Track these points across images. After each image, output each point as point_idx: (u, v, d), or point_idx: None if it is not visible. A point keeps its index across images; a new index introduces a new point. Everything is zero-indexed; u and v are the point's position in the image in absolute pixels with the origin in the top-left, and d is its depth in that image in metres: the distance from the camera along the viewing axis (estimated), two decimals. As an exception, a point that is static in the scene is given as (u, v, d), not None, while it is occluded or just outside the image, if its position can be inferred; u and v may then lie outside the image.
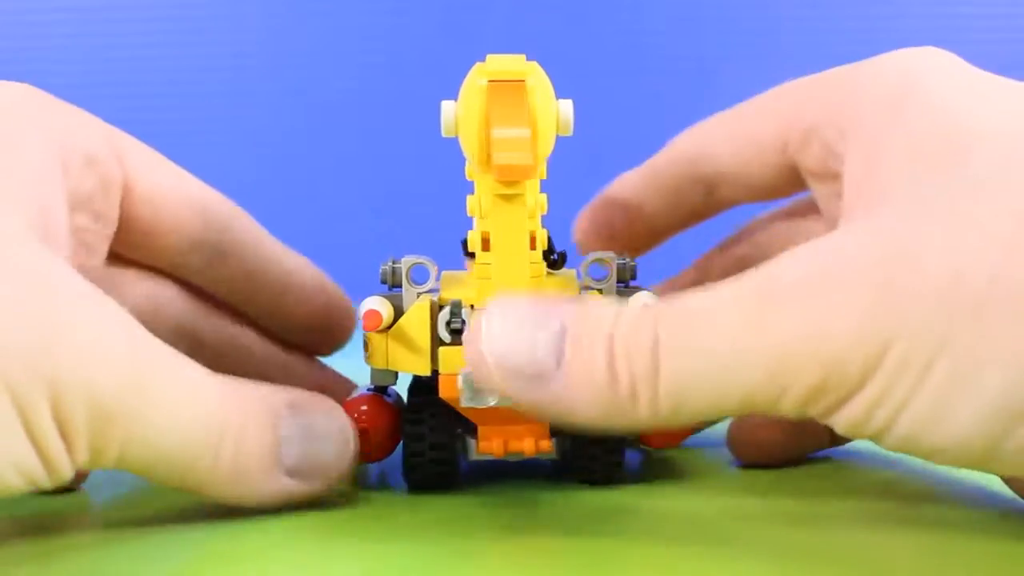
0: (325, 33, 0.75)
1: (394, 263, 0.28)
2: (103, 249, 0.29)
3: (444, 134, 0.27)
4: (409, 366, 0.27)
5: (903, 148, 0.23)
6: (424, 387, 0.28)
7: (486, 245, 0.27)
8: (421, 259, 0.27)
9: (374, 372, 0.29)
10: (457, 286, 0.28)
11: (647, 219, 0.33)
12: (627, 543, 0.25)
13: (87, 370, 0.22)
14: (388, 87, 0.74)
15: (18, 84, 0.27)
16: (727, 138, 0.30)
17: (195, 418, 0.24)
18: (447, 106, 0.26)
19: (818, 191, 0.29)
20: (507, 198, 0.26)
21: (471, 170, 0.27)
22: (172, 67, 0.73)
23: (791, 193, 0.31)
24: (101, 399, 0.22)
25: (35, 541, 0.25)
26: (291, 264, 0.32)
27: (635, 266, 0.29)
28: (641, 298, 0.27)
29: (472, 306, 0.26)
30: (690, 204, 0.32)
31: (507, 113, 0.25)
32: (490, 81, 0.25)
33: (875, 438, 0.21)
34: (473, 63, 0.26)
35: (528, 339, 0.23)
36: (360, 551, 0.24)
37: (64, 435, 0.22)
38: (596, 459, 0.28)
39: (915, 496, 0.28)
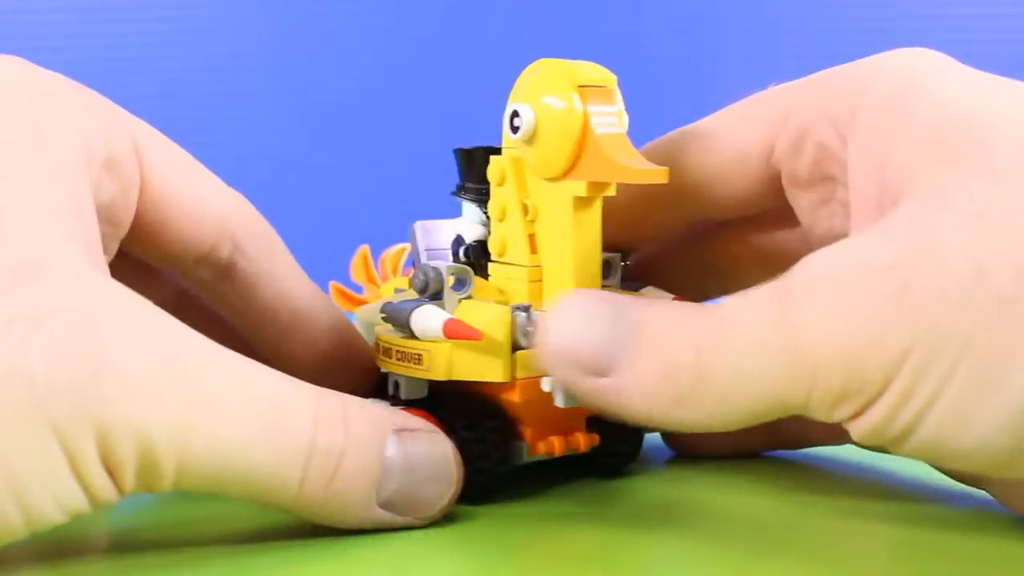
0: (325, 33, 0.75)
1: (434, 271, 0.27)
2: (113, 249, 0.27)
3: (519, 138, 0.26)
4: (482, 373, 0.26)
5: (917, 141, 0.23)
6: (437, 397, 0.27)
7: (534, 247, 0.27)
8: (461, 267, 0.27)
9: (408, 385, 0.27)
10: (493, 292, 0.28)
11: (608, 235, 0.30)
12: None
13: (135, 408, 0.21)
14: (388, 87, 0.74)
15: (51, 74, 0.26)
16: (705, 149, 0.28)
17: (273, 434, 0.23)
18: (525, 109, 0.26)
19: (802, 199, 0.27)
20: (586, 202, 0.26)
21: (501, 174, 0.27)
22: (172, 67, 0.73)
23: (761, 208, 0.29)
24: (150, 437, 0.21)
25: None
26: (305, 302, 0.30)
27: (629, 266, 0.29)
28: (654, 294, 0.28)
29: (540, 310, 0.27)
30: (656, 222, 0.30)
31: (605, 115, 0.26)
32: (582, 87, 0.26)
33: (899, 442, 0.21)
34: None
35: (599, 335, 0.23)
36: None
37: (110, 471, 0.21)
38: (613, 451, 0.29)
39: (882, 495, 0.28)
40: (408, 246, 0.34)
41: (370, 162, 0.75)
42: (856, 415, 0.21)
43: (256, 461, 0.23)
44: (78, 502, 0.21)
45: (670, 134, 0.29)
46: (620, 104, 0.26)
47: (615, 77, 0.26)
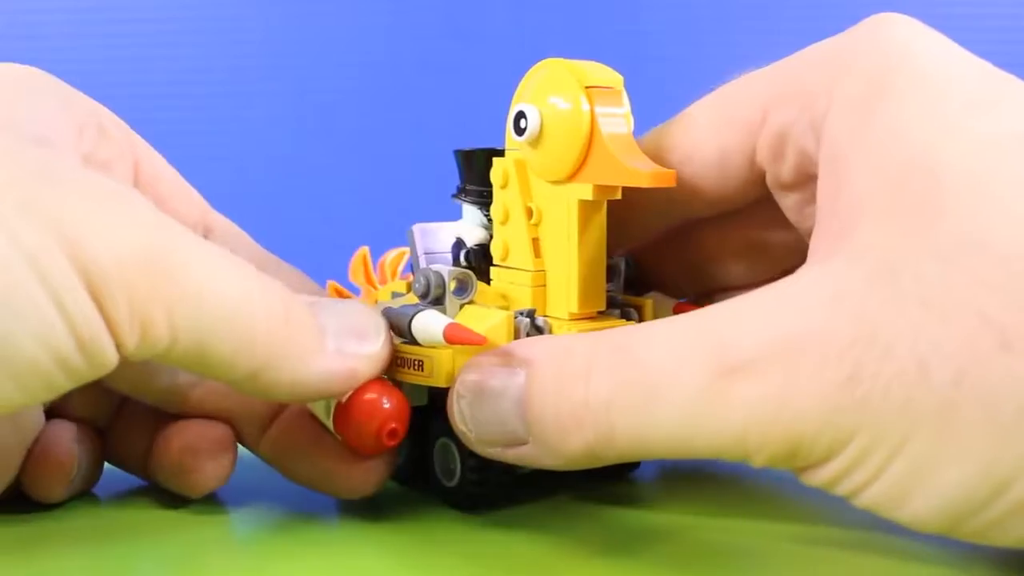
0: (325, 33, 0.75)
1: (435, 275, 0.27)
2: None
3: (524, 140, 0.26)
4: None
5: (871, 176, 0.22)
6: (438, 403, 0.27)
7: (538, 252, 0.27)
8: (463, 271, 0.27)
9: (408, 391, 0.27)
10: (495, 297, 0.27)
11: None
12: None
13: (114, 234, 0.20)
14: (388, 87, 0.74)
15: (30, 67, 0.27)
16: (688, 152, 0.27)
17: (239, 283, 0.23)
18: (531, 110, 0.26)
19: (787, 199, 0.27)
20: (591, 206, 0.26)
21: (504, 176, 0.27)
22: (172, 67, 0.73)
23: (746, 203, 0.28)
24: (133, 262, 0.20)
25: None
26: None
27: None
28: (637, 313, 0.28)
29: (544, 315, 0.26)
30: (641, 224, 0.30)
31: (612, 116, 0.25)
32: (589, 88, 0.25)
33: (845, 497, 0.22)
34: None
35: (496, 414, 0.24)
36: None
37: (101, 308, 0.20)
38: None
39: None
40: (406, 251, 0.34)
41: (369, 163, 0.74)
42: (799, 473, 0.22)
43: (236, 301, 0.22)
44: (66, 347, 0.20)
45: (649, 134, 0.28)
46: (627, 106, 0.26)
47: (622, 78, 0.26)
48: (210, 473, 0.27)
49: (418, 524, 0.27)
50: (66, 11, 0.72)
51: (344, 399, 0.25)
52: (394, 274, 0.34)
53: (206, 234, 0.29)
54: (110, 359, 0.21)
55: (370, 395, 0.25)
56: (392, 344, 0.25)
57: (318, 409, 0.27)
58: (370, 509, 0.28)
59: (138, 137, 0.28)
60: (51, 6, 0.72)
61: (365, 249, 0.34)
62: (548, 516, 0.27)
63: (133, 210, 0.21)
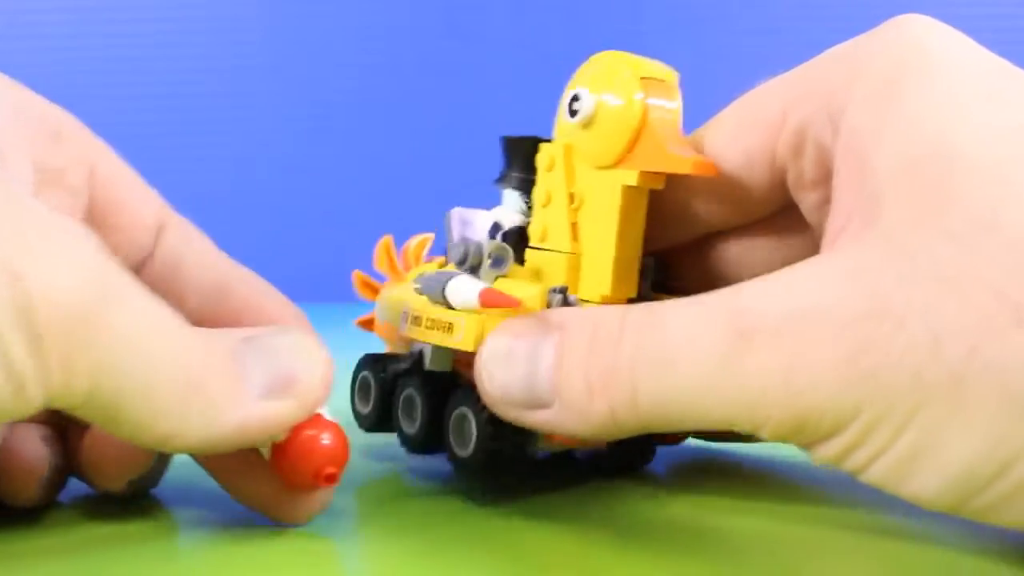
0: (325, 33, 0.75)
1: (475, 245, 0.26)
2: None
3: (577, 121, 0.26)
4: None
5: (889, 164, 0.22)
6: (458, 377, 0.27)
7: (575, 235, 0.27)
8: (502, 245, 0.27)
9: (434, 355, 0.27)
10: (529, 275, 0.28)
11: None
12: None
13: (57, 274, 0.20)
14: (388, 87, 0.74)
15: None
16: (714, 159, 0.27)
17: (166, 348, 0.22)
18: (585, 93, 0.26)
19: (806, 199, 0.27)
20: (635, 192, 0.26)
21: (551, 160, 0.27)
22: (172, 67, 0.73)
23: (767, 212, 0.28)
24: (71, 306, 0.20)
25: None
26: (235, 275, 0.29)
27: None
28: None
29: (576, 294, 0.27)
30: (664, 233, 0.29)
31: (664, 108, 0.26)
32: (645, 78, 0.26)
33: (851, 474, 0.22)
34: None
35: (524, 374, 0.24)
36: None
37: (30, 342, 0.20)
38: (631, 450, 0.29)
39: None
40: (430, 236, 0.34)
41: (369, 162, 0.74)
42: (806, 447, 0.22)
43: (157, 366, 0.22)
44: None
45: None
46: (679, 100, 0.26)
47: (677, 74, 0.27)
48: (124, 463, 0.27)
49: (425, 514, 0.27)
50: (66, 11, 0.72)
51: (281, 438, 0.25)
52: (418, 260, 0.34)
53: (157, 236, 0.28)
54: (34, 402, 0.20)
55: (309, 432, 0.24)
56: (328, 383, 0.25)
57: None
58: (377, 497, 0.28)
59: (96, 139, 0.27)
60: (51, 6, 0.72)
61: (389, 237, 0.34)
62: (557, 508, 0.27)
63: (80, 256, 0.21)
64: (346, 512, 0.27)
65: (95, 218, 0.27)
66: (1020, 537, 0.24)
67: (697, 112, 0.31)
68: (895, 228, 0.22)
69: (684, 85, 0.28)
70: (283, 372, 0.24)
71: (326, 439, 0.24)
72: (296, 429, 0.24)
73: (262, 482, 0.26)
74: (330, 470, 0.24)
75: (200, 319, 0.28)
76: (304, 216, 0.72)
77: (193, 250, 0.29)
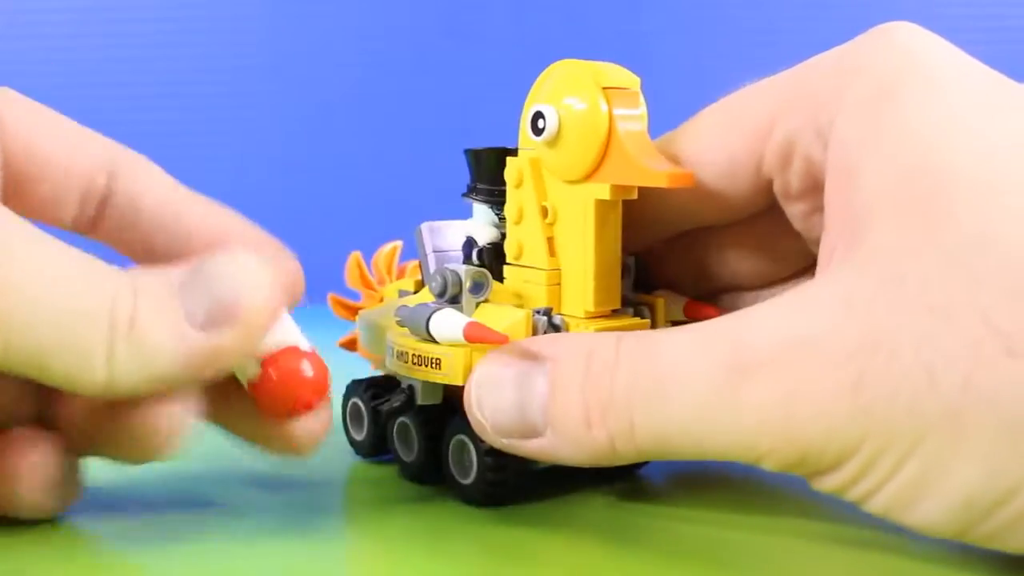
0: (325, 33, 0.75)
1: (452, 274, 0.26)
2: None
3: (542, 140, 0.26)
4: None
5: (879, 179, 0.22)
6: (452, 403, 0.27)
7: (552, 251, 0.27)
8: (479, 270, 0.27)
9: (424, 389, 0.27)
10: (510, 296, 0.27)
11: None
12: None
13: None
14: (388, 87, 0.74)
15: None
16: (696, 163, 0.27)
17: (73, 293, 0.22)
18: (549, 111, 0.26)
19: (794, 208, 0.27)
20: (608, 205, 0.26)
21: (519, 175, 0.27)
22: (172, 67, 0.73)
23: (753, 212, 0.28)
24: None
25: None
26: (198, 216, 0.28)
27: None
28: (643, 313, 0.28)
29: (560, 314, 0.26)
30: (646, 231, 0.29)
31: (630, 118, 0.25)
32: (607, 88, 0.25)
33: (855, 503, 0.22)
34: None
35: (515, 403, 0.24)
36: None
37: None
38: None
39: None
40: (399, 244, 0.34)
41: (369, 163, 0.74)
42: (808, 478, 0.22)
43: (70, 306, 0.21)
44: None
45: (658, 141, 0.28)
46: (644, 107, 0.26)
47: (639, 80, 0.26)
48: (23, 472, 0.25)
49: (423, 519, 0.27)
50: (66, 11, 0.72)
51: (253, 372, 0.24)
52: (389, 270, 0.34)
53: (108, 182, 0.27)
54: None
55: (285, 364, 0.24)
56: (271, 306, 0.24)
57: (237, 373, 0.25)
58: (376, 502, 0.28)
59: (9, 110, 0.26)
60: (51, 6, 0.72)
61: (357, 253, 0.34)
62: (552, 515, 0.27)
63: None
64: (337, 515, 0.27)
65: (11, 173, 0.26)
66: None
67: (696, 111, 0.30)
68: (887, 249, 0.21)
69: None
70: (224, 300, 0.23)
71: (306, 368, 0.24)
72: (269, 362, 0.24)
73: (249, 415, 0.25)
74: (310, 398, 0.24)
75: (166, 255, 0.27)
76: (304, 216, 0.72)
77: (150, 188, 0.28)
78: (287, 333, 0.25)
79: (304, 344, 0.25)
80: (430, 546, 0.25)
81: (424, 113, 0.73)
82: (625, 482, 0.30)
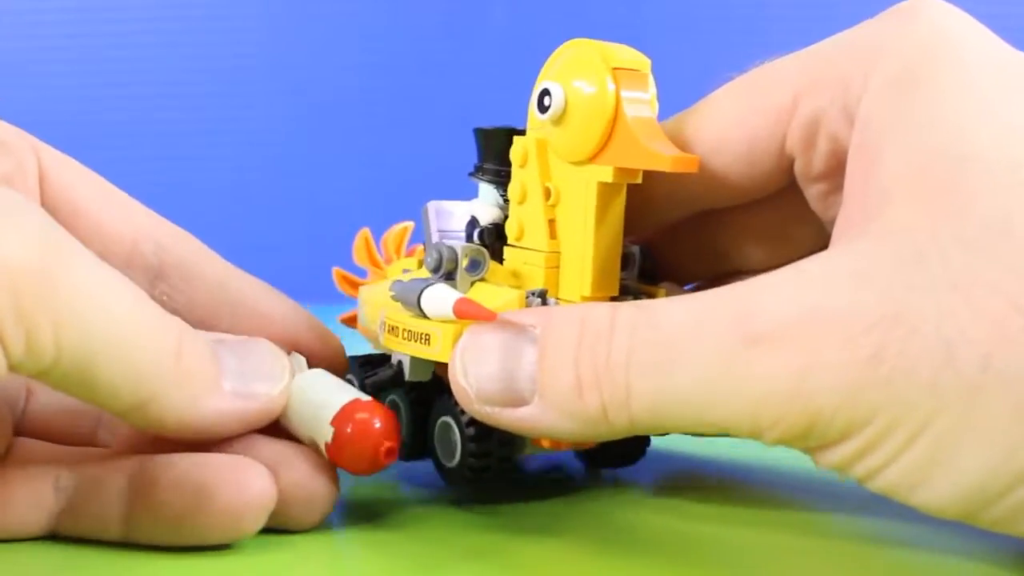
0: (325, 33, 0.75)
1: (448, 250, 0.26)
2: None
3: (547, 118, 0.25)
4: None
5: (903, 160, 0.22)
6: (440, 382, 0.27)
7: (553, 233, 0.26)
8: (477, 248, 0.26)
9: (413, 366, 0.27)
10: (507, 276, 0.27)
11: None
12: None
13: (7, 239, 0.20)
14: (388, 87, 0.74)
15: None
16: (715, 143, 0.26)
17: (130, 310, 0.22)
18: (555, 88, 0.25)
19: (813, 188, 0.26)
20: (611, 188, 0.25)
21: (524, 155, 0.26)
22: (172, 67, 0.73)
23: (769, 192, 0.28)
24: (23, 262, 0.20)
25: None
26: (249, 289, 0.29)
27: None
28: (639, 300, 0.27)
29: (556, 297, 0.26)
30: (661, 211, 0.29)
31: (638, 100, 0.25)
32: (616, 69, 0.25)
33: (858, 481, 0.21)
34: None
35: (502, 369, 0.23)
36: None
37: None
38: (619, 451, 0.29)
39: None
40: (410, 225, 0.34)
41: (368, 162, 0.74)
42: (810, 452, 0.21)
43: (126, 329, 0.22)
44: None
45: (670, 121, 0.27)
46: (653, 90, 0.25)
47: (649, 61, 0.26)
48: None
49: (415, 522, 0.27)
50: (66, 11, 0.72)
51: (336, 431, 0.25)
52: (398, 251, 0.33)
53: (157, 252, 0.28)
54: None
55: (360, 416, 0.25)
56: (288, 391, 0.26)
57: (316, 439, 0.26)
58: (367, 507, 0.28)
59: (44, 146, 0.27)
60: (51, 6, 0.72)
61: (366, 230, 0.34)
62: (545, 516, 0.27)
63: (24, 220, 0.21)
64: (332, 520, 0.27)
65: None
66: (1012, 541, 0.24)
67: (696, 98, 0.30)
68: (907, 227, 0.21)
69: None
70: (256, 372, 0.25)
71: (377, 422, 0.25)
72: (344, 416, 0.25)
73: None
74: (388, 444, 0.25)
75: (203, 324, 0.28)
76: (304, 216, 0.72)
77: (199, 262, 0.28)
78: (343, 390, 0.26)
79: (362, 395, 0.26)
80: (420, 551, 0.25)
81: (424, 113, 0.73)
82: (615, 486, 0.30)
